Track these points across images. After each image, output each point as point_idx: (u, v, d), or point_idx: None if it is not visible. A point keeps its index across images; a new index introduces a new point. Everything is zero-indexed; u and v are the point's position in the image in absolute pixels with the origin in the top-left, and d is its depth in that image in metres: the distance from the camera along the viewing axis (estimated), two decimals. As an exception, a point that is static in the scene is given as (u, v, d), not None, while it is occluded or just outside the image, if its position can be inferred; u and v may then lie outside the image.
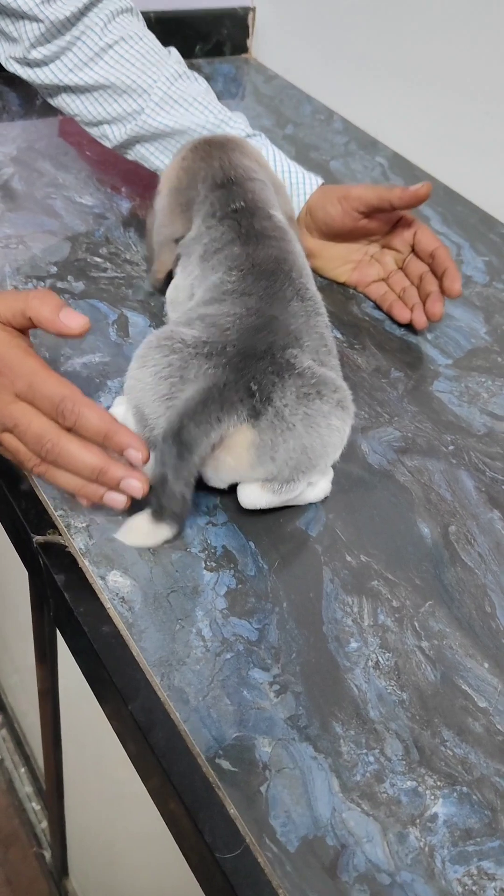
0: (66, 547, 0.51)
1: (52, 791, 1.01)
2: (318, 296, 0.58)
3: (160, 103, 0.74)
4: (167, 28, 1.13)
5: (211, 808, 0.40)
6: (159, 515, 0.49)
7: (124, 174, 0.88)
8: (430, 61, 0.96)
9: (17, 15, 0.72)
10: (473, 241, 0.88)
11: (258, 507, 0.53)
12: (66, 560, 0.50)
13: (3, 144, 0.88)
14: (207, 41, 1.18)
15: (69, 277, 0.71)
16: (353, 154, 1.02)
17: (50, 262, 0.73)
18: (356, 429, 0.62)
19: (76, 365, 0.63)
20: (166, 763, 0.42)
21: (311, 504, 0.56)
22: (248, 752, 0.42)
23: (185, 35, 1.15)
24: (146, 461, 0.48)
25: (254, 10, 1.19)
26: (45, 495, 0.53)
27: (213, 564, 0.51)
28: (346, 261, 0.76)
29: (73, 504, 0.52)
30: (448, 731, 0.45)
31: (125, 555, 0.50)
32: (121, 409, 0.55)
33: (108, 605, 0.48)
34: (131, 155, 0.79)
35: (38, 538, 0.51)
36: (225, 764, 0.42)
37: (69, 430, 0.48)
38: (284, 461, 0.50)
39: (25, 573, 0.59)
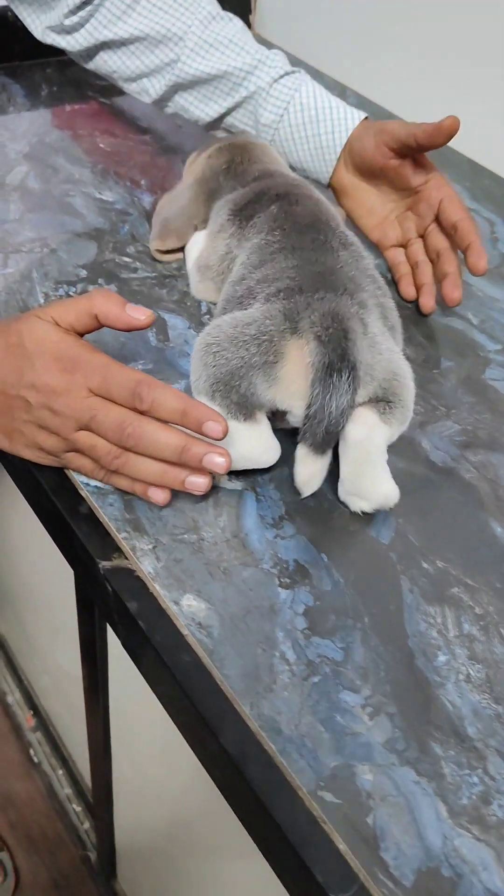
0: (135, 571, 0.48)
1: (101, 795, 1.00)
2: (357, 240, 0.59)
3: (196, 49, 0.73)
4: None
5: (319, 845, 0.38)
6: (322, 450, 0.50)
7: (142, 166, 0.84)
8: (443, 31, 0.93)
9: None
10: (506, 217, 0.85)
11: (372, 440, 0.52)
12: (136, 585, 0.48)
13: (14, 141, 0.85)
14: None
15: (100, 280, 0.69)
16: (371, 131, 0.98)
17: (78, 264, 0.70)
18: (414, 425, 0.60)
19: (119, 374, 0.60)
20: (266, 798, 0.40)
21: (378, 510, 0.54)
22: (349, 781, 0.41)
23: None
24: (225, 433, 0.48)
25: (256, -17, 1.15)
26: (105, 517, 0.51)
27: (287, 581, 0.49)
28: (373, 212, 0.73)
29: (137, 525, 0.50)
30: (550, 744, 0.43)
31: (195, 575, 0.48)
32: None
33: (185, 631, 0.46)
34: (171, 108, 0.78)
35: (104, 563, 0.49)
36: (328, 796, 0.40)
37: (146, 414, 0.49)
38: (380, 382, 0.52)
39: (69, 571, 0.57)
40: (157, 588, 0.47)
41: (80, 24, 0.74)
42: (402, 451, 0.58)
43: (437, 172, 0.69)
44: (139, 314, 0.50)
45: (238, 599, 0.47)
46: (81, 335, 0.52)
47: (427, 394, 0.63)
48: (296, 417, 0.52)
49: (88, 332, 0.52)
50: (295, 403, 0.51)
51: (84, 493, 0.52)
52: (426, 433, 0.60)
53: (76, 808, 1.33)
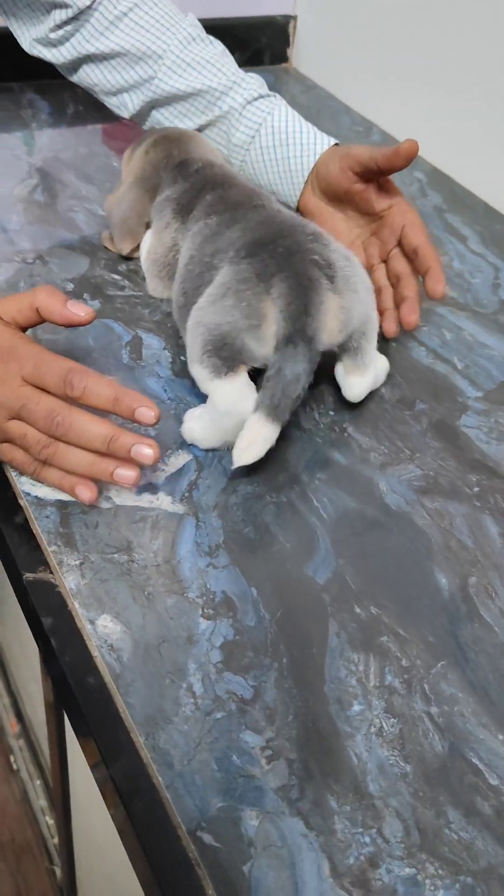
0: (57, 586, 0.48)
1: (60, 809, 0.99)
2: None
3: (173, 67, 0.75)
4: (204, 36, 1.10)
5: (189, 891, 0.37)
6: (275, 416, 0.52)
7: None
8: (473, 75, 0.92)
9: (47, 6, 0.74)
10: (513, 263, 0.84)
11: (362, 391, 0.61)
12: (55, 601, 0.47)
13: (31, 155, 0.87)
14: (246, 49, 1.15)
15: (85, 295, 0.69)
16: (390, 168, 0.98)
17: (66, 278, 0.71)
18: (374, 465, 0.59)
19: (84, 389, 0.61)
20: (144, 834, 0.39)
21: (320, 548, 0.53)
22: (233, 825, 0.39)
23: (223, 43, 1.12)
24: (157, 420, 0.50)
25: (295, 18, 1.16)
26: (39, 528, 0.51)
27: (211, 612, 0.48)
28: (339, 235, 0.71)
29: (69, 540, 0.50)
30: (454, 811, 0.41)
31: (118, 598, 0.48)
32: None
33: (95, 653, 0.45)
34: (148, 123, 0.80)
35: (28, 576, 0.48)
36: (207, 838, 0.39)
37: (77, 402, 0.50)
38: (356, 324, 0.57)
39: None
40: (76, 606, 0.47)
41: (66, 38, 0.76)
42: (356, 491, 0.57)
43: (401, 198, 0.69)
44: (79, 310, 0.52)
45: (156, 626, 0.47)
46: (24, 328, 0.53)
47: (394, 434, 0.62)
48: None
49: (30, 325, 0.53)
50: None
51: (23, 502, 0.52)
52: (385, 474, 0.58)
53: (49, 820, 1.32)
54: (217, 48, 0.77)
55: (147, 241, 0.70)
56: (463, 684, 0.47)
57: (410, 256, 0.67)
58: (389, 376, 0.67)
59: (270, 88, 1.14)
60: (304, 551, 0.52)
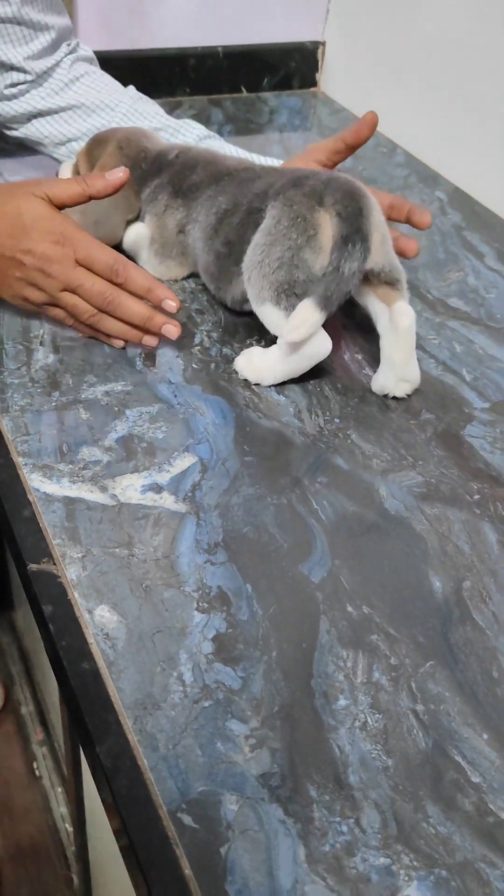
0: (59, 577, 0.50)
1: (76, 815, 1.01)
2: None
3: (127, 114, 0.83)
4: (234, 62, 1.14)
5: (165, 867, 0.38)
6: (325, 306, 0.60)
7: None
8: (494, 97, 0.94)
9: (6, 67, 0.80)
10: (529, 280, 0.84)
11: (412, 313, 0.65)
12: (56, 591, 0.49)
13: (14, 174, 0.91)
14: (275, 74, 1.18)
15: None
16: (412, 187, 1.00)
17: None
18: (375, 471, 0.60)
19: (98, 392, 0.63)
20: (126, 812, 0.40)
21: (317, 548, 0.54)
22: (212, 808, 0.40)
23: (252, 68, 1.16)
24: (179, 309, 0.65)
25: (324, 44, 1.19)
26: (45, 522, 0.53)
27: (206, 605, 0.49)
28: None
29: (73, 534, 0.52)
30: (433, 805, 0.42)
31: (116, 589, 0.49)
32: None
33: (91, 640, 0.47)
34: None
35: (32, 566, 0.51)
36: (187, 819, 0.40)
37: (120, 286, 0.63)
38: (389, 242, 0.65)
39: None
40: (76, 595, 0.49)
41: (19, 94, 0.82)
42: (356, 495, 0.58)
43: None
44: (116, 174, 0.64)
45: (151, 617, 0.48)
46: (70, 206, 0.65)
47: (398, 443, 0.63)
48: None
49: (77, 204, 0.65)
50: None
51: (32, 497, 0.54)
52: (386, 481, 0.59)
53: (68, 827, 1.33)
54: (158, 108, 0.86)
55: (142, 231, 0.74)
56: (451, 684, 0.47)
57: (386, 213, 0.71)
58: (397, 387, 0.68)
59: (299, 112, 1.17)
60: (301, 551, 0.53)
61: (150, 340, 0.66)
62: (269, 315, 0.63)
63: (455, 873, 0.39)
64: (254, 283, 0.63)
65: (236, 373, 0.66)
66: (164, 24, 1.24)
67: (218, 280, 0.70)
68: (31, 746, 1.43)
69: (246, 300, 0.66)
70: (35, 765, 1.41)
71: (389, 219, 0.71)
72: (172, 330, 0.65)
